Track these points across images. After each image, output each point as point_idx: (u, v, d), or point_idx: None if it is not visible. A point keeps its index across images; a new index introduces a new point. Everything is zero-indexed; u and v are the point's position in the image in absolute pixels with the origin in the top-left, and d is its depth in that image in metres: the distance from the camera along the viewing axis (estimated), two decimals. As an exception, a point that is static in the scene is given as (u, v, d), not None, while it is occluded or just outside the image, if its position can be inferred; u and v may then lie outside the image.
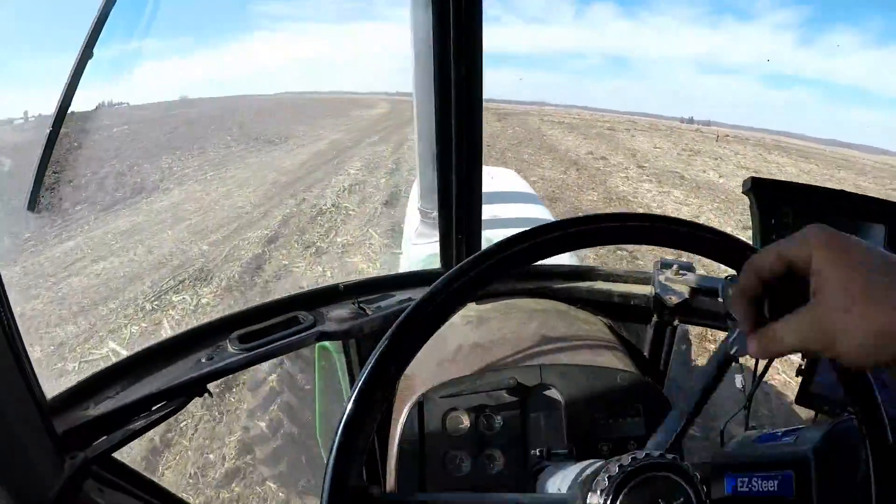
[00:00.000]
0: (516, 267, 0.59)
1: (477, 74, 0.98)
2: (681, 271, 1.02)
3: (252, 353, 0.93)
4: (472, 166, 1.02)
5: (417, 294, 1.12)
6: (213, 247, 5.06)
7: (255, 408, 2.06)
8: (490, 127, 16.70)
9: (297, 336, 0.97)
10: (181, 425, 2.71)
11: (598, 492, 0.54)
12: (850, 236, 0.43)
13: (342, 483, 0.52)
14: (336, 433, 0.53)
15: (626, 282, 1.17)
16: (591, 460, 0.73)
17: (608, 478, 0.55)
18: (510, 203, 2.29)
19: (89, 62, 1.29)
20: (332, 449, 0.52)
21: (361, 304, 1.05)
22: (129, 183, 8.00)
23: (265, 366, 2.01)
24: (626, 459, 0.57)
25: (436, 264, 1.23)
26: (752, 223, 0.89)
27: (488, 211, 2.00)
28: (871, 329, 0.39)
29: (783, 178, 0.94)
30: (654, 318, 1.10)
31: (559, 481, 0.75)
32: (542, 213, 2.33)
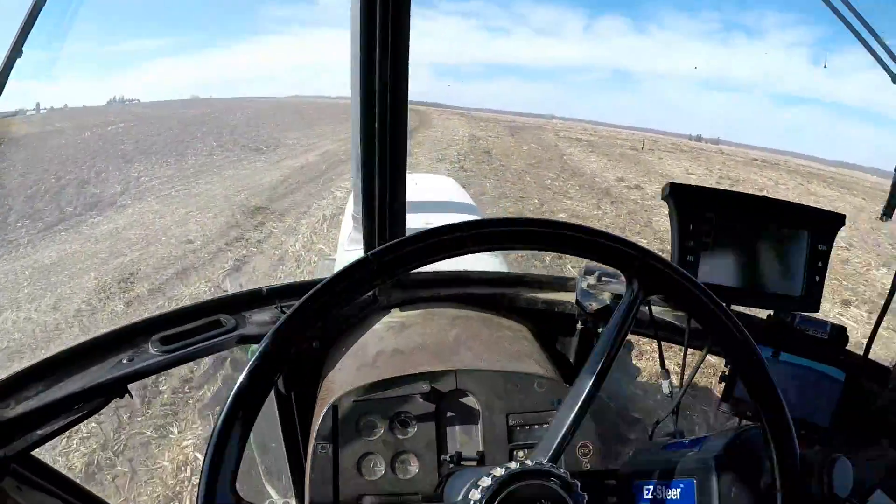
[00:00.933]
0: (399, 273, 0.60)
1: (402, 79, 0.98)
2: (604, 278, 1.01)
3: (172, 354, 0.93)
4: (395, 173, 1.02)
5: None
6: (129, 306, 4.07)
7: (185, 410, 2.04)
8: (502, 142, 16.52)
9: (218, 339, 0.98)
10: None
11: (472, 502, 0.55)
12: None
13: (211, 498, 0.53)
14: (205, 451, 0.53)
15: (552, 289, 1.17)
16: (487, 467, 0.73)
17: (482, 488, 0.55)
18: (446, 213, 2.28)
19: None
20: (202, 466, 0.53)
21: (284, 308, 1.06)
22: (86, 195, 7.43)
23: (198, 372, 2.00)
24: (498, 470, 0.57)
25: None
26: (671, 229, 0.88)
27: (423, 219, 2.00)
28: None
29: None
30: (579, 325, 1.09)
31: (459, 488, 0.76)
32: None
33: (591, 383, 0.64)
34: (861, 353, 1.02)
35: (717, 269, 0.89)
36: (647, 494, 0.75)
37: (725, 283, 0.90)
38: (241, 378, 0.55)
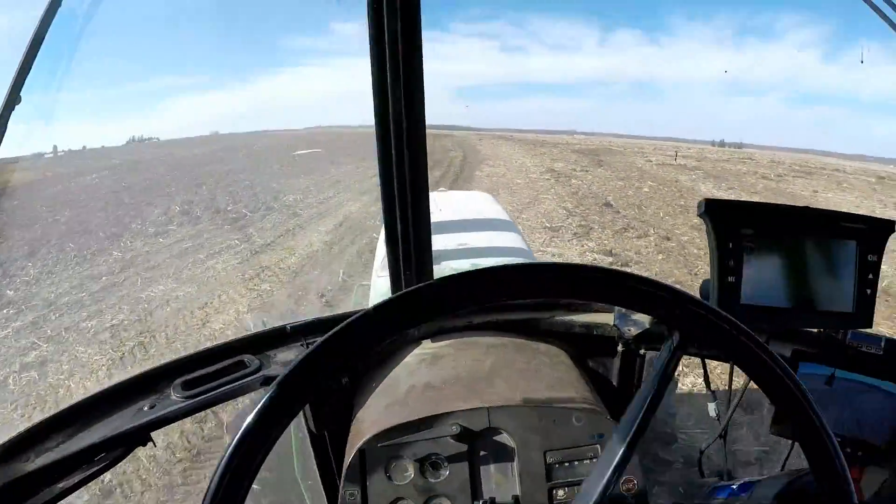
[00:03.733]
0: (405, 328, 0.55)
1: (418, 106, 0.95)
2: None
3: (195, 400, 0.91)
4: (417, 201, 0.99)
5: None
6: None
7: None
8: (596, 177, 13.01)
9: (242, 381, 0.96)
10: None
11: None
12: None
13: None
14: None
15: (590, 310, 1.12)
16: None
17: None
18: (483, 231, 2.23)
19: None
20: None
21: (310, 345, 1.02)
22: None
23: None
24: None
25: None
26: (710, 248, 0.83)
27: (459, 238, 1.95)
28: None
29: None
30: (620, 348, 1.04)
31: None
32: (515, 241, 2.25)
33: (636, 426, 0.59)
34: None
35: (761, 289, 0.84)
36: None
37: (770, 304, 0.84)
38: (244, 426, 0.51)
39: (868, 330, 0.92)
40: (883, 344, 0.94)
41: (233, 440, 0.50)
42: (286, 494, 1.94)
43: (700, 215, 0.84)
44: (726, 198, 0.86)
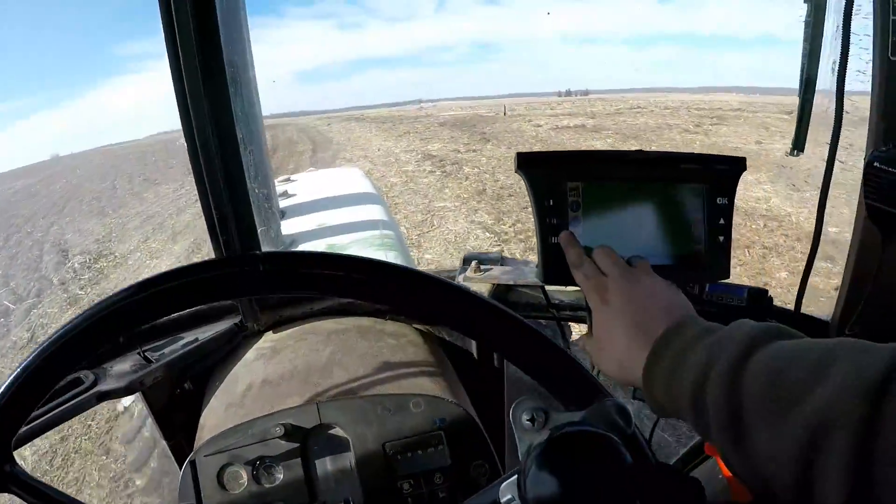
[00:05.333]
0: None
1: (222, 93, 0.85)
2: (482, 266, 0.88)
3: (32, 425, 0.83)
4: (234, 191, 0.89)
5: (206, 332, 1.01)
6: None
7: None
8: (485, 157, 10.28)
9: (75, 401, 0.87)
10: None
11: None
12: (615, 292, 0.63)
13: None
14: None
15: None
16: None
17: None
18: (347, 207, 2.15)
19: None
20: None
21: (146, 354, 0.95)
22: None
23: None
24: None
25: None
26: (531, 203, 0.74)
27: (320, 218, 1.88)
28: (612, 360, 0.60)
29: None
30: None
31: None
32: (378, 214, 2.18)
33: None
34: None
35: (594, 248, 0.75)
36: None
37: (606, 263, 0.76)
38: None
39: (727, 281, 0.85)
40: (745, 294, 0.87)
41: None
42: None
43: (516, 171, 0.74)
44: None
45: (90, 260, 6.77)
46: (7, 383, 0.48)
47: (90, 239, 7.92)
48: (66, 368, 0.49)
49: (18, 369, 0.48)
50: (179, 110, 0.86)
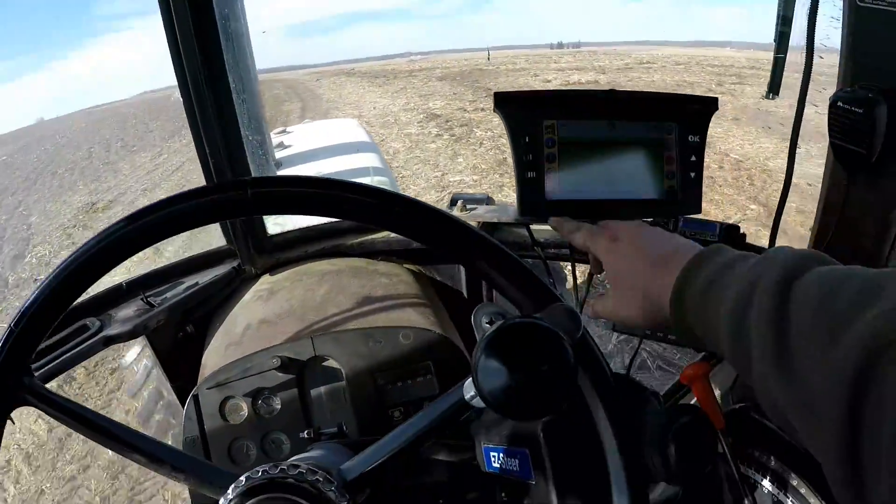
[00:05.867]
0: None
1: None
2: (468, 206, 0.92)
3: (43, 370, 0.89)
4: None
5: (205, 276, 1.06)
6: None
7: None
8: (497, 117, 9.33)
9: (83, 346, 0.93)
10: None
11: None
12: (624, 231, 0.64)
13: None
14: None
15: None
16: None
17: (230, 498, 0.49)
18: (344, 156, 2.18)
19: None
20: None
21: (148, 299, 1.00)
22: None
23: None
24: (257, 472, 0.50)
25: None
26: (509, 141, 0.77)
27: (318, 167, 1.92)
28: (634, 298, 0.57)
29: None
30: None
31: None
32: (373, 162, 2.23)
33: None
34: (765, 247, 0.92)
35: (569, 183, 0.79)
36: (494, 462, 0.69)
37: (581, 198, 0.79)
38: None
39: (700, 216, 0.88)
40: (718, 230, 0.91)
41: None
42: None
43: (494, 110, 0.78)
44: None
45: (49, 254, 6.22)
46: (32, 298, 0.52)
47: (55, 224, 7.30)
48: (79, 289, 0.52)
49: (42, 286, 0.51)
50: (173, 61, 0.89)
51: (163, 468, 0.52)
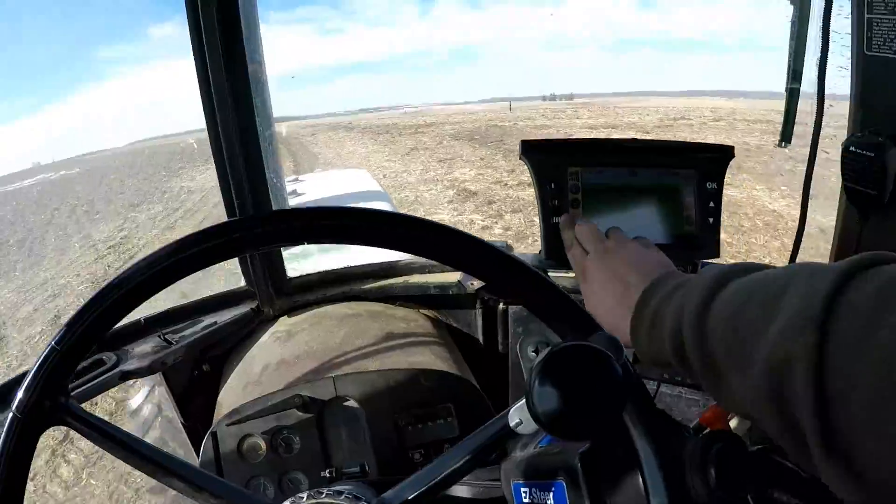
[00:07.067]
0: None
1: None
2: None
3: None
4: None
5: (223, 316, 1.06)
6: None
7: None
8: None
9: (99, 380, 0.92)
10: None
11: None
12: (594, 257, 0.67)
13: None
14: None
15: (445, 270, 1.09)
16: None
17: None
18: (360, 203, 2.21)
19: None
20: None
21: (166, 336, 1.00)
22: None
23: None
24: (301, 497, 0.50)
25: None
26: (534, 187, 0.79)
27: None
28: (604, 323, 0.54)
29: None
30: (479, 305, 1.02)
31: None
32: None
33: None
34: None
35: (593, 227, 0.81)
36: (524, 498, 0.68)
37: (604, 242, 0.81)
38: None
39: (718, 260, 0.90)
40: (736, 272, 0.93)
41: None
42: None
43: (520, 158, 0.80)
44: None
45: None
46: (74, 317, 0.50)
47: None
48: (124, 310, 0.51)
49: (86, 304, 0.50)
50: (203, 106, 0.91)
51: (200, 495, 0.51)
